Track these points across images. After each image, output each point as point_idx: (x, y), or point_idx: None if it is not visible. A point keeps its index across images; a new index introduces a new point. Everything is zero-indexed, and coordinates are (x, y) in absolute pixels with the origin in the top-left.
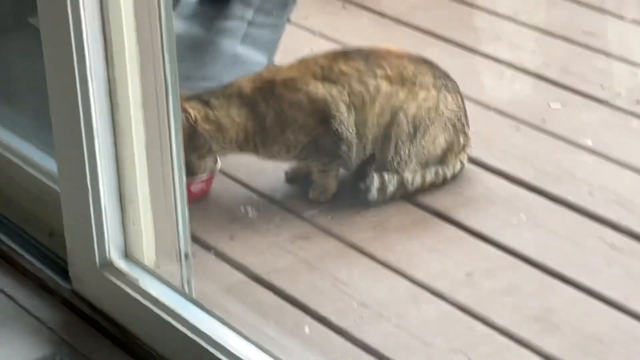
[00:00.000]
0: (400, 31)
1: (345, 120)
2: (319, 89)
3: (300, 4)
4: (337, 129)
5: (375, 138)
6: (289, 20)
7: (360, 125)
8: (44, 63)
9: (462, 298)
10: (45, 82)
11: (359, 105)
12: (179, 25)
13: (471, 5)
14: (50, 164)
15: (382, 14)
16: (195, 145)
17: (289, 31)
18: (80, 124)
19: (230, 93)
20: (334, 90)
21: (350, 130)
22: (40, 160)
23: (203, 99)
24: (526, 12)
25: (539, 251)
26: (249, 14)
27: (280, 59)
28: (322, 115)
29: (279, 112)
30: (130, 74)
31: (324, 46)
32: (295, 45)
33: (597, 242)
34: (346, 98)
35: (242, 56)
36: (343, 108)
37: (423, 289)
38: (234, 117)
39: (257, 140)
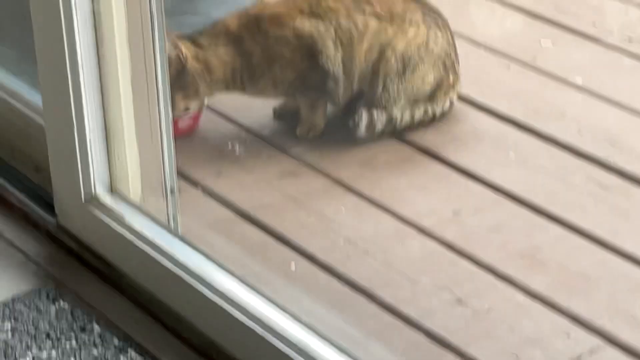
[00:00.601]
0: None
1: (332, 56)
2: (306, 25)
3: None
4: (323, 65)
5: (363, 74)
6: None
7: (347, 61)
8: None
9: (449, 235)
10: (29, 14)
11: (346, 42)
12: None
13: None
14: (36, 98)
15: None
16: (183, 84)
17: None
18: (65, 57)
19: (218, 32)
20: (321, 26)
21: (337, 66)
22: (26, 94)
23: (192, 38)
24: None
25: (526, 189)
26: None
27: None
28: (309, 50)
29: (265, 48)
30: (115, 7)
31: None
32: None
33: (585, 180)
34: (333, 34)
35: None
36: (330, 44)
37: (409, 226)
38: (221, 55)
39: (244, 77)
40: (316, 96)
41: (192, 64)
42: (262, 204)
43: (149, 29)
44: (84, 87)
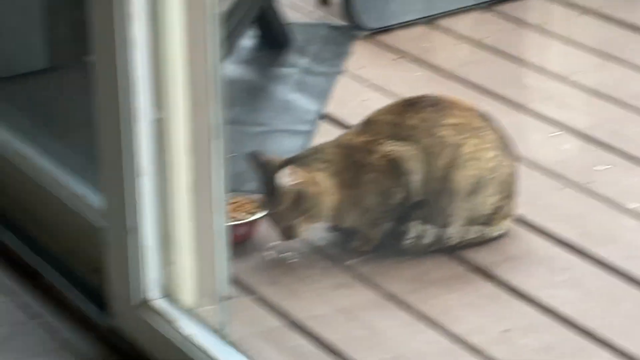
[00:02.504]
0: (452, 85)
1: (414, 176)
2: (392, 148)
3: (355, 54)
4: (405, 185)
5: (432, 190)
6: (343, 70)
7: (423, 179)
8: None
9: (498, 355)
10: (95, 119)
11: (426, 160)
12: (234, 70)
13: (523, 63)
14: (96, 201)
15: (434, 68)
16: (303, 209)
17: (342, 80)
18: (127, 163)
19: (324, 159)
20: (406, 147)
21: (416, 185)
22: (86, 196)
23: (304, 163)
24: (577, 73)
25: (577, 312)
26: (304, 61)
27: (332, 107)
28: (397, 173)
29: (358, 178)
30: (179, 116)
31: (375, 97)
32: (348, 94)
33: (636, 306)
34: (418, 153)
35: (295, 103)
36: (414, 164)
37: (458, 344)
38: (333, 183)
39: (345, 209)
40: (386, 214)
41: (310, 189)
42: (315, 314)
43: (210, 138)
44: (144, 193)
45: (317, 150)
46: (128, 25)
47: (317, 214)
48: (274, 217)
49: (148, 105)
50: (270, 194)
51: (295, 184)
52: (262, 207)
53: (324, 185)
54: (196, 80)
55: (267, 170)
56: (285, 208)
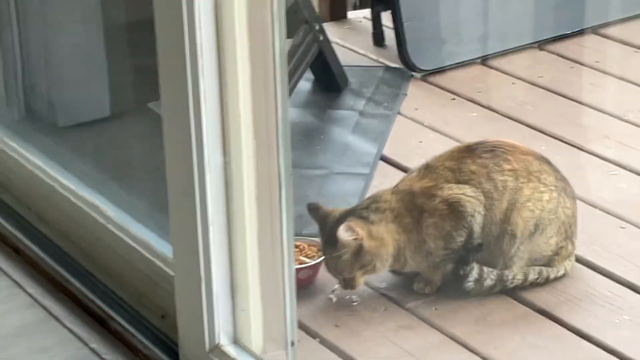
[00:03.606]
0: (509, 126)
1: (478, 219)
2: (454, 191)
3: (411, 95)
4: (468, 228)
5: (493, 232)
6: (399, 112)
7: (486, 222)
8: (161, 148)
9: None
10: (163, 167)
11: (487, 203)
12: (292, 113)
13: (580, 102)
14: (165, 249)
15: (490, 109)
16: (362, 262)
17: (398, 122)
18: (196, 212)
19: (383, 207)
20: (468, 190)
21: (479, 228)
22: (156, 244)
23: (362, 216)
24: (634, 112)
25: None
26: (360, 104)
27: (389, 149)
28: (457, 216)
29: (421, 222)
30: (245, 166)
31: (432, 138)
32: (405, 135)
33: None
34: (478, 197)
35: (353, 145)
36: (476, 207)
37: None
38: (392, 232)
39: (407, 254)
40: (448, 257)
41: (369, 243)
42: (379, 357)
43: (277, 186)
44: (213, 241)
45: (376, 199)
46: (197, 75)
47: (376, 267)
48: (334, 269)
49: (217, 153)
50: (331, 246)
51: (354, 238)
52: (322, 253)
53: (382, 237)
54: (261, 126)
55: (326, 223)
56: (344, 261)
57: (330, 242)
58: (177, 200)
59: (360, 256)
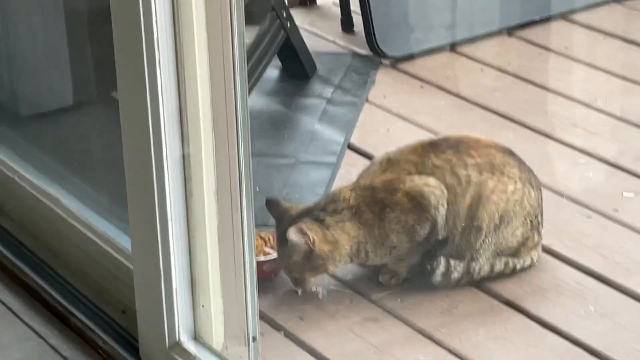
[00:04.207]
0: (477, 113)
1: (443, 212)
2: (416, 182)
3: (379, 83)
4: (432, 220)
5: (458, 226)
6: (367, 99)
7: (449, 216)
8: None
9: None
10: (122, 160)
11: (452, 198)
12: (259, 101)
13: (548, 89)
14: (127, 243)
15: (459, 96)
16: (312, 265)
17: (366, 110)
18: (155, 205)
19: (340, 207)
20: (431, 181)
21: (444, 222)
22: (117, 238)
23: (317, 218)
24: (602, 99)
25: (606, 344)
26: (328, 91)
27: (357, 137)
28: (421, 208)
29: (382, 217)
30: (205, 159)
31: (400, 126)
32: (372, 123)
33: None
34: (443, 189)
35: (320, 134)
36: (443, 199)
37: None
38: (348, 231)
39: (368, 249)
40: (412, 250)
41: (320, 248)
42: (344, 351)
43: (237, 180)
44: (172, 237)
45: (334, 198)
46: (154, 65)
47: (328, 269)
48: (284, 268)
49: (176, 146)
50: (282, 245)
51: (305, 241)
52: (276, 249)
53: (336, 239)
54: (221, 118)
55: (281, 220)
56: (294, 262)
57: (282, 240)
58: (135, 194)
59: (310, 258)
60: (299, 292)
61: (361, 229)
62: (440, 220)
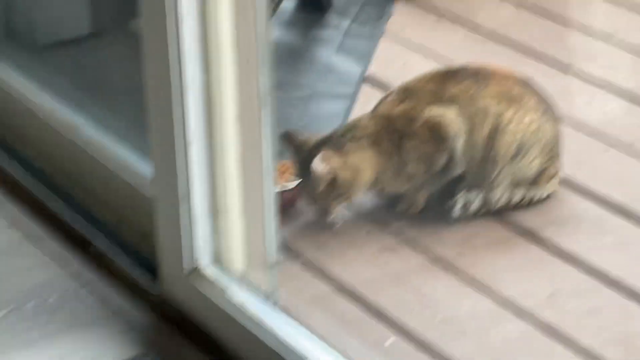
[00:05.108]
0: (494, 47)
1: (459, 142)
2: (434, 112)
3: (396, 15)
4: (449, 150)
5: (476, 157)
6: (383, 32)
7: (467, 146)
8: (141, 68)
9: (545, 318)
10: (143, 88)
11: (469, 127)
12: (275, 33)
13: (567, 23)
14: (145, 169)
15: (476, 29)
16: (337, 193)
17: (383, 42)
18: (176, 131)
19: (359, 135)
20: (450, 112)
21: (460, 151)
22: (137, 165)
23: (338, 145)
24: (623, 32)
25: (624, 274)
26: (345, 23)
27: (374, 69)
28: (439, 138)
29: (401, 146)
30: (227, 83)
31: (417, 59)
32: (390, 56)
33: None
34: (459, 118)
35: (337, 65)
36: (459, 129)
37: (506, 308)
38: (369, 158)
39: (385, 178)
40: (431, 180)
41: (343, 174)
42: (361, 279)
43: (259, 106)
44: (194, 161)
45: (353, 126)
46: None
47: (351, 196)
48: (308, 198)
49: (197, 72)
50: (305, 176)
51: (329, 170)
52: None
53: (358, 166)
54: (243, 45)
55: (301, 151)
56: (319, 192)
57: (304, 172)
58: (156, 119)
59: (334, 187)
60: (328, 221)
61: (380, 158)
62: (458, 150)
